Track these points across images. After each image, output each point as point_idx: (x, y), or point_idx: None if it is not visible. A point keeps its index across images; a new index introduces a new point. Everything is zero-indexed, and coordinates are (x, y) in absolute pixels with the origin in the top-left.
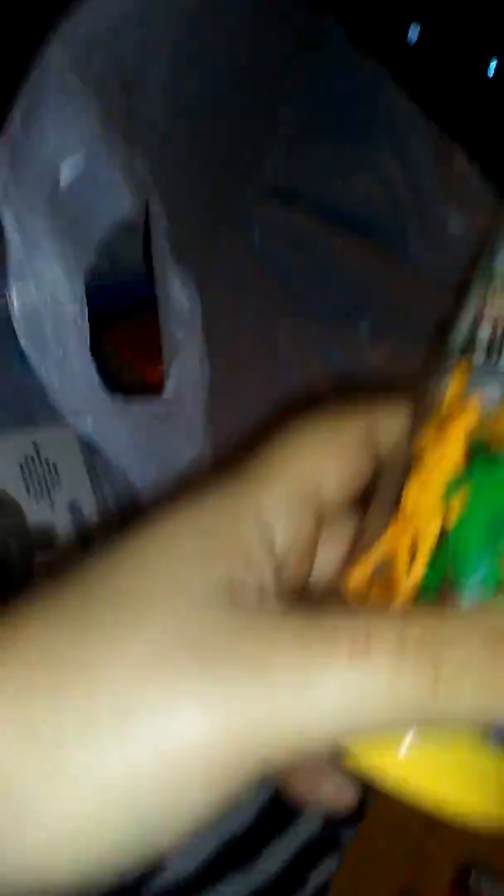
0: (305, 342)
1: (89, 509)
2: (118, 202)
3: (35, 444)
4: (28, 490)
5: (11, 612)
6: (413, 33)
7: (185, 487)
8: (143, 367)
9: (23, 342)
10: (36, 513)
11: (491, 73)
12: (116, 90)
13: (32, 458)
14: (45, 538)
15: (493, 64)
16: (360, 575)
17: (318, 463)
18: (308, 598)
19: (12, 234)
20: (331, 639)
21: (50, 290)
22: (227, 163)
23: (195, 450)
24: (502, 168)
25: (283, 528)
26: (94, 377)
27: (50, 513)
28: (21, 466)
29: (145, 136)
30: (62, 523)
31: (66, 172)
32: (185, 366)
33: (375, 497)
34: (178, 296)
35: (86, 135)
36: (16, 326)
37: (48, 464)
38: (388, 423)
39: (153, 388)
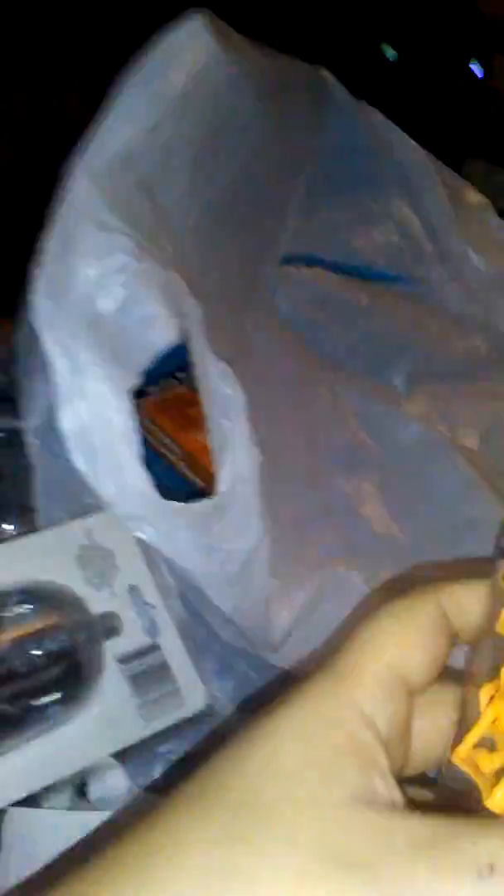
0: (343, 401)
1: (150, 593)
2: (157, 326)
3: (89, 533)
4: (87, 580)
5: (165, 814)
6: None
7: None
8: (182, 438)
9: (74, 457)
10: (97, 602)
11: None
12: (144, 206)
13: (88, 548)
14: (110, 626)
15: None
16: (465, 750)
17: (402, 649)
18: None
19: (58, 361)
20: (464, 852)
21: (98, 408)
22: (248, 238)
23: (255, 539)
24: None
25: (382, 719)
26: (148, 486)
27: (111, 600)
28: (78, 558)
29: (174, 240)
30: (124, 609)
31: (105, 301)
32: (236, 455)
33: (471, 673)
34: (219, 386)
35: (120, 260)
36: (67, 444)
37: (104, 550)
38: (461, 597)
39: (196, 458)
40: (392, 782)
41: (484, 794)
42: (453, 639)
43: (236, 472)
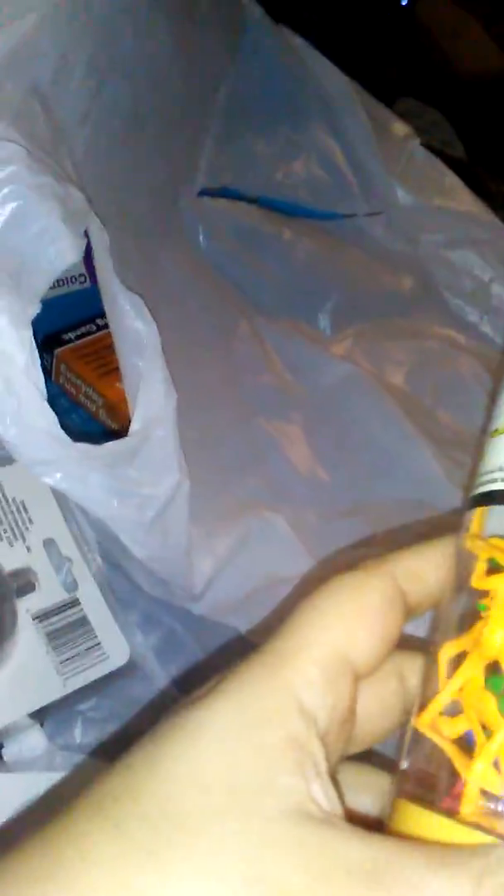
0: (264, 340)
1: (67, 546)
2: (57, 243)
3: (0, 485)
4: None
5: (72, 821)
6: None
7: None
8: (102, 385)
9: None
10: (10, 557)
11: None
12: (38, 115)
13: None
14: (24, 583)
15: None
16: (429, 717)
17: (348, 630)
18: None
19: None
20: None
21: None
22: (159, 168)
23: (173, 483)
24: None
25: (323, 710)
26: (55, 426)
27: (25, 555)
28: None
29: (72, 156)
30: (40, 563)
31: None
32: (150, 394)
33: (435, 639)
34: (132, 324)
35: (10, 170)
36: None
37: (15, 503)
38: (415, 567)
39: (117, 406)
40: (331, 790)
41: (458, 765)
42: (408, 614)
43: (150, 411)
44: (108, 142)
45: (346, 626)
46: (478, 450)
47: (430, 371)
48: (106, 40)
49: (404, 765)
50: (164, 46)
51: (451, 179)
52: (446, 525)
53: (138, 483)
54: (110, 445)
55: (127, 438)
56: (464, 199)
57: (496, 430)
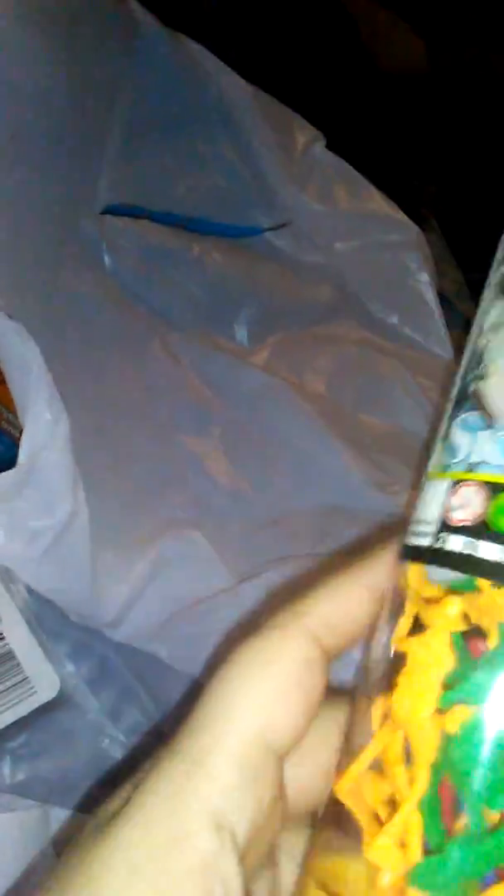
0: (180, 357)
1: None
2: None
3: None
4: None
5: None
6: None
7: None
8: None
9: None
10: None
11: None
12: None
13: None
14: None
15: None
16: (348, 782)
17: (264, 715)
18: None
19: None
20: None
21: None
22: (55, 189)
23: (66, 513)
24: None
25: (242, 816)
26: None
27: None
28: None
29: None
30: None
31: None
32: (37, 423)
33: (357, 698)
34: (15, 348)
35: None
36: None
37: None
38: (330, 615)
39: None
40: None
41: (365, 838)
42: (330, 662)
43: (38, 439)
44: None
45: (262, 708)
46: (416, 487)
47: (350, 376)
48: None
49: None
50: (47, 66)
51: (358, 180)
52: (370, 531)
53: (27, 515)
54: None
55: (13, 469)
56: (372, 200)
57: (429, 473)
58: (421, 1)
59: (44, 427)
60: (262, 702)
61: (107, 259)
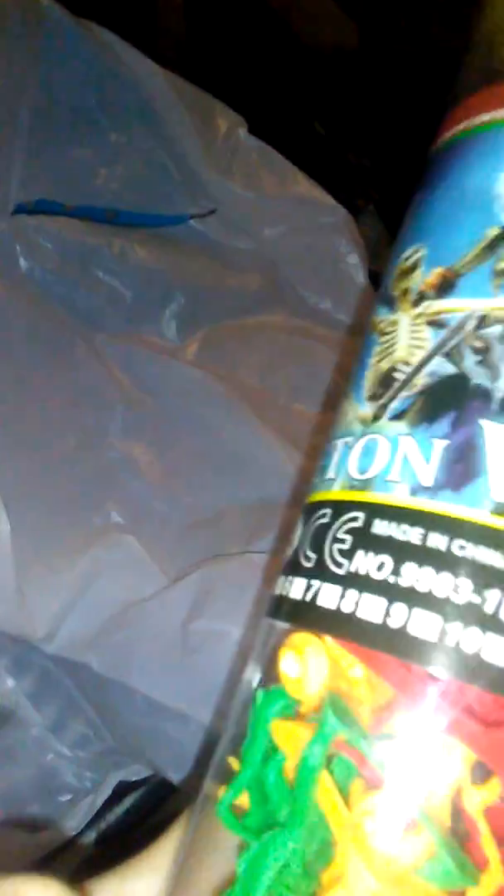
0: (106, 358)
1: None
2: None
3: None
4: None
5: None
6: None
7: None
8: None
9: None
10: None
11: None
12: None
13: None
14: None
15: None
16: None
17: None
18: None
19: None
20: None
21: None
22: None
23: None
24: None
25: None
26: None
27: None
28: None
29: None
30: None
31: None
32: None
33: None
34: None
35: None
36: None
37: None
38: None
39: None
40: None
41: None
42: None
43: None
44: None
45: None
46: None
47: (283, 366)
48: None
49: None
50: None
51: (284, 165)
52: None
53: None
54: None
55: None
56: (299, 185)
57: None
58: None
59: None
60: None
61: (22, 261)
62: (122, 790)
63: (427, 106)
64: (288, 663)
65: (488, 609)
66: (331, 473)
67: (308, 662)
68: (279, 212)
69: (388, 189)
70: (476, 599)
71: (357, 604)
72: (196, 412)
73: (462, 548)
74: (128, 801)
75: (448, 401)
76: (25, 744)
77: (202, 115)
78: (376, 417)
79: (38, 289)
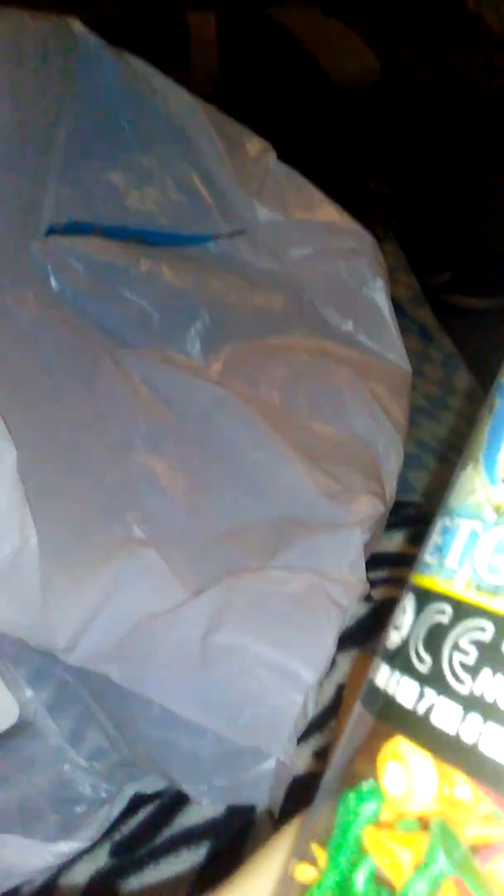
0: (131, 374)
1: None
2: None
3: None
4: None
5: None
6: None
7: None
8: None
9: None
10: None
11: None
12: None
13: None
14: None
15: None
16: None
17: None
18: None
19: None
20: None
21: None
22: (0, 213)
23: (14, 544)
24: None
25: None
26: None
27: None
28: None
29: None
30: None
31: None
32: None
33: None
34: None
35: None
36: None
37: None
38: None
39: None
40: None
41: None
42: None
43: None
44: None
45: None
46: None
47: (304, 385)
48: None
49: None
50: None
51: (311, 191)
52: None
53: None
54: None
55: None
56: (325, 209)
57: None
58: (372, 14)
59: None
60: None
61: (53, 280)
62: (137, 802)
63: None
64: (391, 776)
65: None
66: (451, 561)
67: (414, 778)
68: (306, 235)
69: (407, 218)
70: None
71: (480, 734)
72: (218, 429)
73: None
74: (143, 813)
75: None
76: (43, 753)
77: (232, 141)
78: None
79: (69, 307)
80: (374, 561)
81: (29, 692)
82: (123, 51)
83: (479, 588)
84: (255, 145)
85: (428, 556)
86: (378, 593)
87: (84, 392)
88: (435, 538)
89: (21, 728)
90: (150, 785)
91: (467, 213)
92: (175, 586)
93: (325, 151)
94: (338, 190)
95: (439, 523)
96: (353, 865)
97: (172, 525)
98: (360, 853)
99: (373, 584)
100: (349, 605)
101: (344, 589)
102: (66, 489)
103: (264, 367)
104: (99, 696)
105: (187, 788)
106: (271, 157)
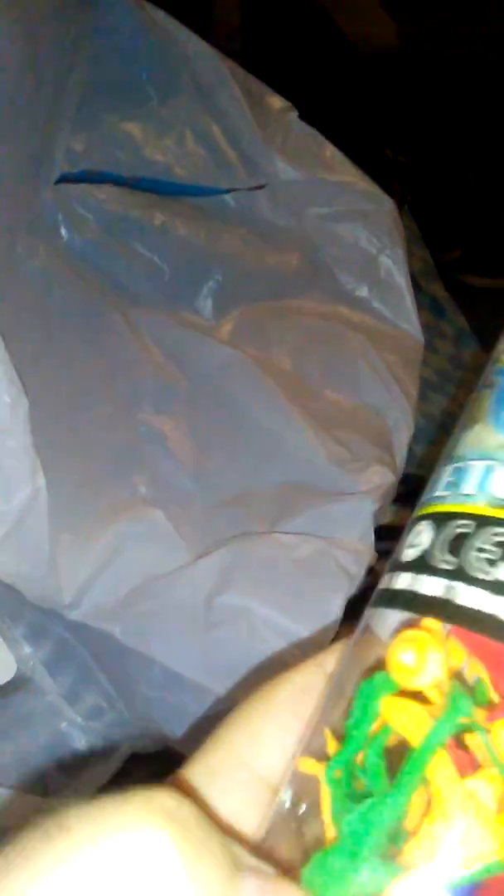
0: (141, 332)
1: None
2: None
3: None
4: None
5: None
6: None
7: None
8: None
9: None
10: None
11: None
12: None
13: None
14: None
15: None
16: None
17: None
18: None
19: None
20: None
21: None
22: (9, 158)
23: (25, 497)
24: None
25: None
26: None
27: None
28: None
29: None
30: None
31: None
32: None
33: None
34: None
35: None
36: None
37: None
38: None
39: None
40: None
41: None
42: None
43: None
44: None
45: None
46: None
47: (316, 350)
48: None
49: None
50: (1, 29)
51: (332, 151)
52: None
53: None
54: None
55: None
56: (346, 171)
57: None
58: None
59: (2, 410)
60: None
61: (63, 230)
62: (132, 761)
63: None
64: (405, 653)
65: None
66: (469, 489)
67: (427, 654)
68: (325, 194)
69: (422, 189)
70: None
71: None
72: (228, 391)
73: None
74: (138, 774)
75: None
76: (40, 710)
77: (254, 98)
78: None
79: (78, 259)
80: (378, 533)
81: (27, 649)
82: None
83: (497, 506)
84: (276, 102)
85: (441, 491)
86: (382, 565)
87: (92, 348)
88: (446, 478)
89: (18, 684)
90: (147, 745)
91: (481, 190)
92: (180, 548)
93: (342, 115)
94: (354, 156)
95: (449, 468)
96: (367, 741)
97: (179, 487)
98: (374, 728)
99: (379, 555)
100: (358, 573)
101: (353, 557)
102: (71, 446)
103: (277, 330)
104: (98, 655)
105: (184, 748)
106: (293, 115)
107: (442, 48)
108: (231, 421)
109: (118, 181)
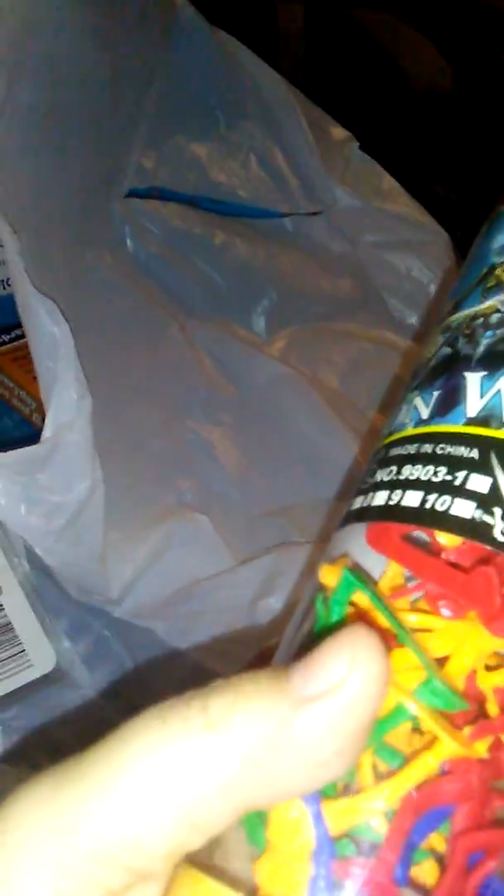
0: (195, 343)
1: None
2: None
3: None
4: None
5: None
6: None
7: None
8: (35, 388)
9: None
10: None
11: None
12: None
13: None
14: None
15: None
16: None
17: None
18: None
19: None
20: None
21: None
22: (85, 169)
23: (85, 490)
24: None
25: None
26: None
27: None
28: None
29: None
30: None
31: None
32: (62, 398)
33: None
34: (45, 327)
35: None
36: None
37: None
38: None
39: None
40: None
41: None
42: None
43: (63, 416)
44: (24, 141)
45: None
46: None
47: (365, 373)
48: (16, 38)
49: None
50: (88, 45)
51: (390, 182)
52: None
53: (48, 490)
54: (19, 451)
55: (38, 444)
56: (402, 202)
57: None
58: (447, 23)
59: (69, 405)
60: None
61: (129, 242)
62: None
63: None
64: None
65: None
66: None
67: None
68: (382, 223)
69: (472, 227)
70: (449, 477)
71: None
72: (276, 405)
73: (442, 448)
74: None
75: (443, 370)
76: (75, 704)
77: (316, 126)
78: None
79: (141, 270)
80: None
81: (67, 643)
82: (218, 28)
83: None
84: (338, 132)
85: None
86: None
87: (149, 355)
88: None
89: (56, 678)
90: None
91: None
92: (224, 553)
93: (396, 150)
94: (407, 190)
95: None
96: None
97: (224, 494)
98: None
99: None
100: None
101: None
102: (123, 448)
103: (326, 351)
104: (135, 654)
105: None
106: (354, 145)
107: (495, 91)
108: (278, 433)
109: (183, 199)
